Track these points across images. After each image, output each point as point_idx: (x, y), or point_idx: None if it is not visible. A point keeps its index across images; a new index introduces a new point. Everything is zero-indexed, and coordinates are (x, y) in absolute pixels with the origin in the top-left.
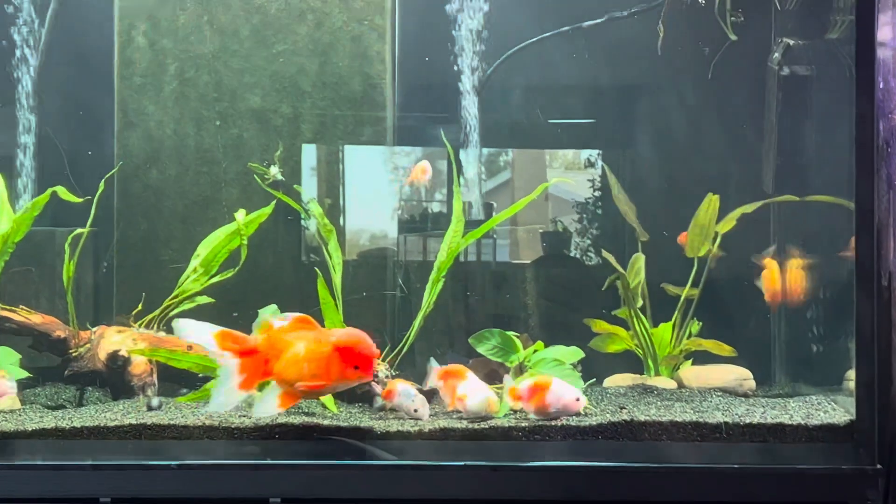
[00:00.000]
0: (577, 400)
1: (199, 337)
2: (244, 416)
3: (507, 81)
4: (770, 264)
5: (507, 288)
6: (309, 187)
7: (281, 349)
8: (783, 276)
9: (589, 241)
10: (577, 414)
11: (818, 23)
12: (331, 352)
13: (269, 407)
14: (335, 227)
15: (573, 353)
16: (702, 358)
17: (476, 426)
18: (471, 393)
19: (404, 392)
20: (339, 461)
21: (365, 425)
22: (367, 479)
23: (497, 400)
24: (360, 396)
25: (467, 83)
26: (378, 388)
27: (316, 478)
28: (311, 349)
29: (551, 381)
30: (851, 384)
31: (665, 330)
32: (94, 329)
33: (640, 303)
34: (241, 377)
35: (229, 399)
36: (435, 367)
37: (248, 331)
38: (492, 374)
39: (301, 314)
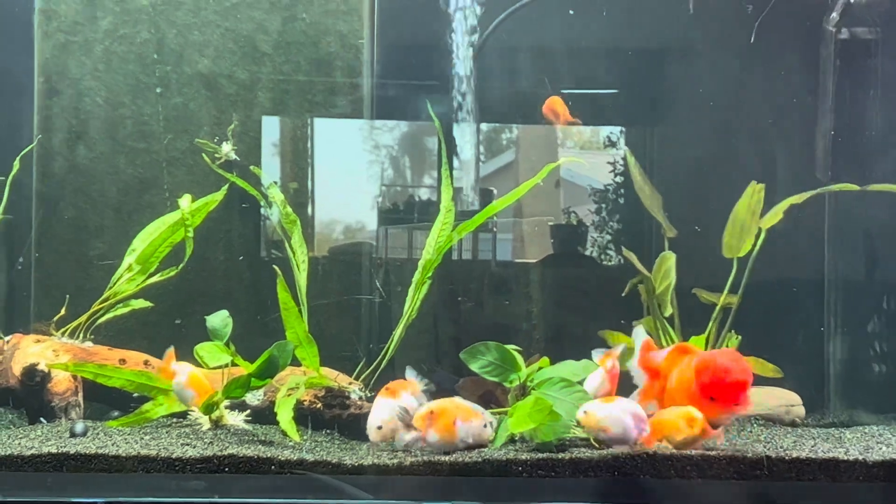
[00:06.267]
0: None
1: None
2: (187, 446)
3: (511, 42)
4: None
5: (508, 292)
6: (269, 169)
7: (664, 376)
8: None
9: (608, 237)
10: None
11: None
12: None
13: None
14: (300, 217)
15: (585, 371)
16: None
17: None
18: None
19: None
20: (303, 500)
21: (333, 457)
22: None
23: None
24: (326, 422)
25: (462, 44)
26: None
27: None
28: (681, 378)
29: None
30: None
31: (697, 344)
32: (6, 338)
33: (667, 311)
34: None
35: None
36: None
37: (192, 343)
38: (487, 397)
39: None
